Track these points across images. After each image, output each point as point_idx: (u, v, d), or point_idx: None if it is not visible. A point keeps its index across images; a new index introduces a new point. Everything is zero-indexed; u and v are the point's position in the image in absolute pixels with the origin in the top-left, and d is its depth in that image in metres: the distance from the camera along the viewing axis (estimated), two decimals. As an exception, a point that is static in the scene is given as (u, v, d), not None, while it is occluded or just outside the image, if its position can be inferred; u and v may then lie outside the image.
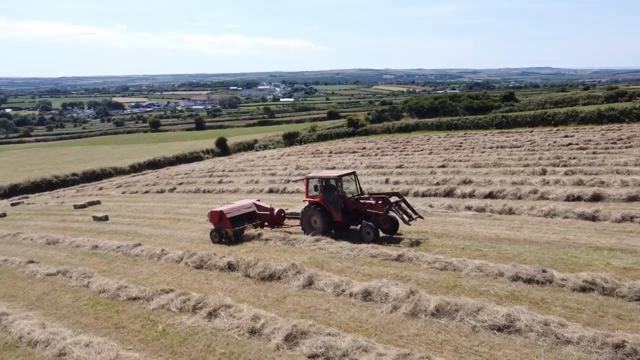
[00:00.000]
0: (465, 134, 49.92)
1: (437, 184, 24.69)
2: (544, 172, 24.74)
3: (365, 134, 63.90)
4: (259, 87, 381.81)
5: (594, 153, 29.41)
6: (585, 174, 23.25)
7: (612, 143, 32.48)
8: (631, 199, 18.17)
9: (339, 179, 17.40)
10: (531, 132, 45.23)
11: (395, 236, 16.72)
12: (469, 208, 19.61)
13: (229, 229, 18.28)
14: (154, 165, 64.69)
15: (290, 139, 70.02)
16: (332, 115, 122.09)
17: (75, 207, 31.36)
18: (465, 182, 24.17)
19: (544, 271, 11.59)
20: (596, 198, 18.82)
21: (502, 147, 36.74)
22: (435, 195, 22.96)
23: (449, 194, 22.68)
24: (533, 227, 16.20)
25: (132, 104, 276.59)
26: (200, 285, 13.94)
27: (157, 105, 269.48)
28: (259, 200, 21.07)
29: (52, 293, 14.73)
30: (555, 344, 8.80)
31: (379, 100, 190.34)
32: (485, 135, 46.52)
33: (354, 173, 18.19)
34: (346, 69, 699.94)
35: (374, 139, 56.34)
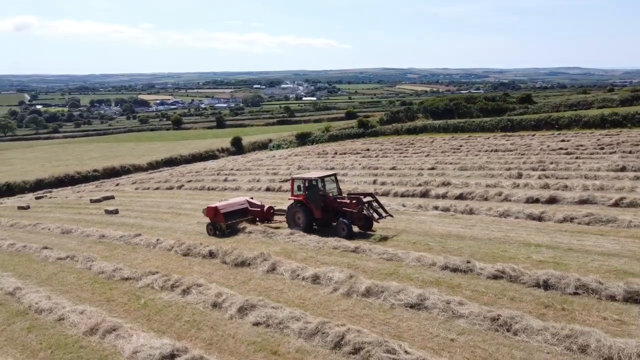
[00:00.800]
0: (469, 136, 50.76)
1: (419, 185, 26.50)
2: (519, 176, 26.26)
3: (374, 135, 65.12)
4: (282, 85, 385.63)
5: (576, 158, 30.58)
6: (556, 178, 24.78)
7: (600, 148, 33.47)
8: (582, 202, 19.75)
9: (320, 179, 19.59)
10: (533, 135, 45.94)
11: (369, 232, 18.63)
12: (436, 208, 21.45)
13: (222, 222, 20.57)
14: (171, 162, 67.01)
15: (303, 139, 71.20)
16: (350, 115, 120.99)
17: (91, 201, 34.12)
18: (444, 184, 25.93)
19: (468, 262, 13.51)
20: (552, 201, 20.41)
21: (495, 150, 37.98)
22: (413, 195, 24.78)
23: (424, 194, 24.50)
24: (484, 226, 18.01)
25: (158, 101, 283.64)
26: (183, 269, 16.24)
27: (182, 103, 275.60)
28: (252, 198, 23.29)
29: (60, 273, 17.21)
30: (450, 318, 10.78)
31: (400, 100, 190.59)
32: (487, 138, 47.33)
33: (334, 175, 20.43)
34: (370, 67, 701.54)
35: (382, 140, 57.65)
